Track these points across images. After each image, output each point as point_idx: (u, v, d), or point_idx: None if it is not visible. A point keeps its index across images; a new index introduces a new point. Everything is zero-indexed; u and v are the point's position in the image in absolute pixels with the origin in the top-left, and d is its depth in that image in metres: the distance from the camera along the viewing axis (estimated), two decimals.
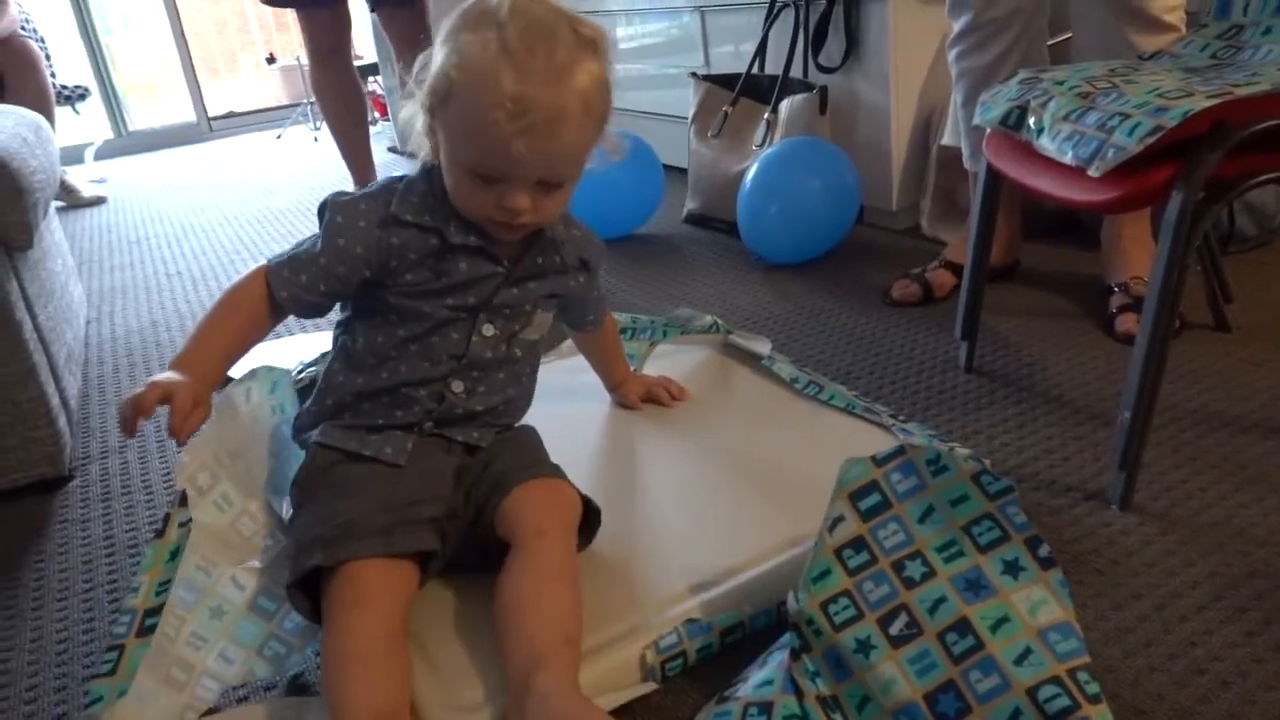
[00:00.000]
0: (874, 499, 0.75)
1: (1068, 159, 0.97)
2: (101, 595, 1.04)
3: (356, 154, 2.12)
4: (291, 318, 0.92)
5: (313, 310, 0.91)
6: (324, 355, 0.98)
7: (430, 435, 0.89)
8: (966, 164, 1.59)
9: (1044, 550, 0.70)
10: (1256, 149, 0.90)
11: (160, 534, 0.85)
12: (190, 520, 0.84)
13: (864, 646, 0.70)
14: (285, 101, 5.02)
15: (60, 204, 3.31)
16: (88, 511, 1.22)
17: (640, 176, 2.10)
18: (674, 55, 2.52)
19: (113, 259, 2.57)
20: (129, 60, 4.85)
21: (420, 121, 0.85)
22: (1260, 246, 1.64)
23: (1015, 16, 1.42)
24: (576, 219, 0.98)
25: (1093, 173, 0.93)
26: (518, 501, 0.84)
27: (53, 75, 3.09)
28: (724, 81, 2.16)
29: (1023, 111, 1.07)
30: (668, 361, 1.32)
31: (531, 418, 1.00)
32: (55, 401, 1.30)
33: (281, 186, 3.39)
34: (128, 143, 4.72)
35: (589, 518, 0.89)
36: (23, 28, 2.93)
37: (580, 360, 1.23)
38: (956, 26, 1.48)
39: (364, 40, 4.36)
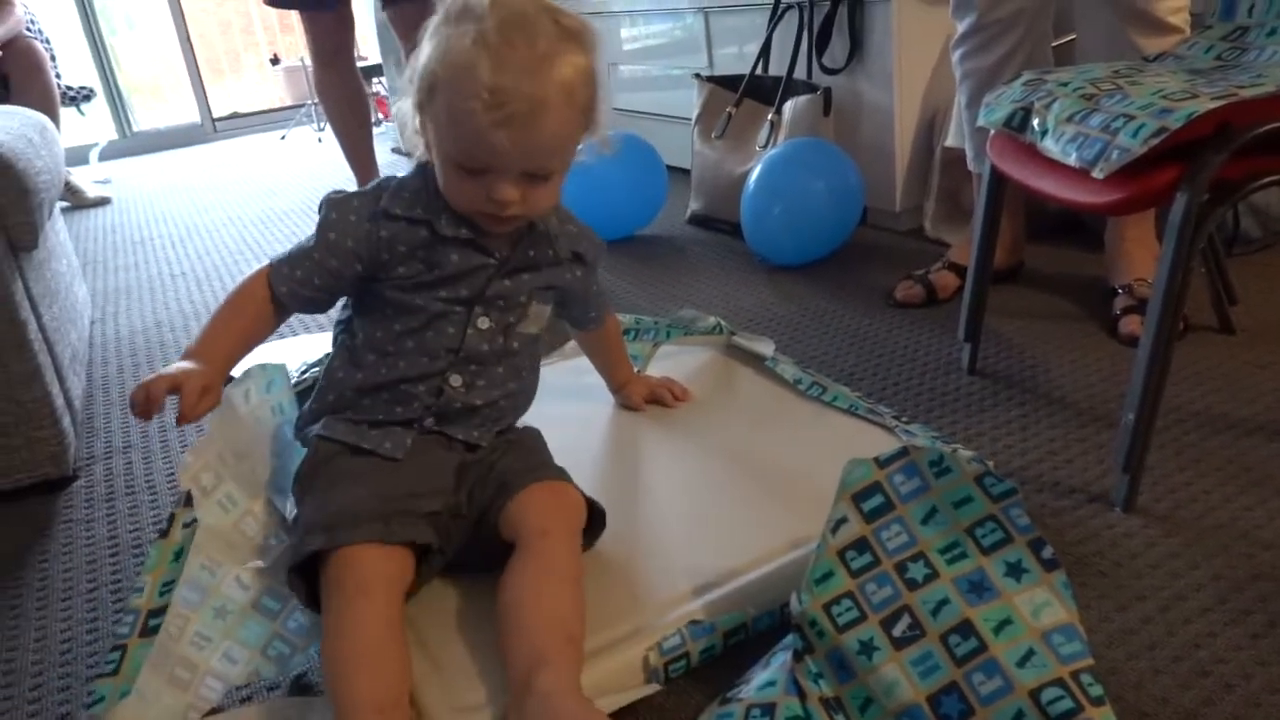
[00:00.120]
0: (877, 500, 0.75)
1: (1072, 160, 0.97)
2: (105, 595, 1.04)
3: (360, 155, 2.13)
4: (295, 318, 0.93)
5: (311, 305, 0.92)
6: (326, 356, 0.99)
7: (430, 432, 0.89)
8: (970, 165, 1.59)
9: (1047, 552, 0.69)
10: (1261, 151, 0.90)
11: (165, 534, 0.85)
12: (195, 520, 0.85)
13: (867, 648, 0.70)
14: (289, 102, 5.03)
15: (65, 204, 3.31)
16: (92, 511, 1.23)
17: (643, 177, 2.10)
18: (678, 56, 2.52)
19: (117, 259, 2.57)
20: (134, 61, 4.86)
21: (413, 118, 0.86)
22: (1265, 248, 1.64)
23: (1019, 18, 1.41)
24: (574, 216, 0.99)
25: (1097, 174, 0.93)
26: (522, 504, 0.84)
27: (58, 76, 3.10)
28: (728, 83, 2.16)
29: (1027, 113, 1.07)
30: (671, 362, 1.32)
31: (535, 418, 1.00)
32: (60, 402, 1.30)
33: (285, 187, 3.40)
34: (132, 143, 4.74)
35: (594, 519, 0.89)
36: (28, 29, 2.93)
37: (584, 361, 1.23)
38: (961, 28, 1.48)
39: (367, 41, 4.37)
